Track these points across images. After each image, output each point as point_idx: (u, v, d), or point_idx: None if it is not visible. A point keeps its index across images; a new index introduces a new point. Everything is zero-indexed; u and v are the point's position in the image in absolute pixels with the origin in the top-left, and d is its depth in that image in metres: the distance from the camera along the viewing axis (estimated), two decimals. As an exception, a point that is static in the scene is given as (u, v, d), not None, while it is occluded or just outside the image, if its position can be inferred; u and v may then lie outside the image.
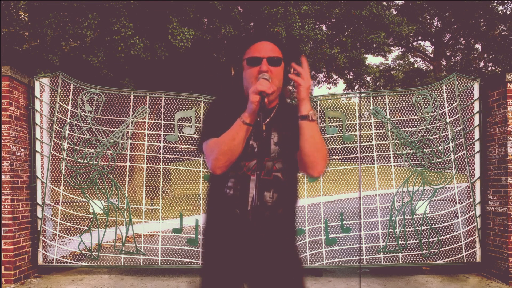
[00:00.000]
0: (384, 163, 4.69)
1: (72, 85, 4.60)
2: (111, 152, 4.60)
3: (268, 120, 1.57)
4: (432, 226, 4.51)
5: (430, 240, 4.50)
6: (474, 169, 4.55)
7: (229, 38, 8.33)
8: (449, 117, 4.56)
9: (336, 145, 4.75)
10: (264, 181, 1.50)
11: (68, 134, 4.56)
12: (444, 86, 4.61)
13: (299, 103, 1.42)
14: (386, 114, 4.64)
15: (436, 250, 4.50)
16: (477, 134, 4.54)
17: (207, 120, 1.61)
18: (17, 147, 4.28)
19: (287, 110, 1.62)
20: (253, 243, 1.47)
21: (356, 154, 4.73)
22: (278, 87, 1.53)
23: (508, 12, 19.60)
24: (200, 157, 4.80)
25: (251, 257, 1.48)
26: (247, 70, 1.53)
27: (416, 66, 27.46)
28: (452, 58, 24.13)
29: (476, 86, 4.54)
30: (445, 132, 4.55)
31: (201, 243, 1.70)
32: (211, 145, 1.49)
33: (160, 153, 4.73)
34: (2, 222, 4.11)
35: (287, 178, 1.54)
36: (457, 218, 4.58)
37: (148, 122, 4.69)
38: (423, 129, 4.58)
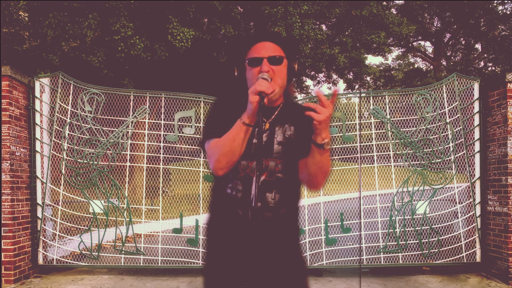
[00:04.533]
0: (384, 163, 4.69)
1: (72, 85, 4.60)
2: (111, 152, 4.60)
3: (272, 118, 1.56)
4: (432, 226, 4.51)
5: (430, 240, 4.50)
6: (474, 169, 4.55)
7: (229, 38, 8.33)
8: (449, 117, 4.56)
9: (336, 145, 4.75)
10: (266, 182, 1.49)
11: (68, 134, 4.55)
12: (444, 86, 4.61)
13: (316, 131, 1.39)
14: (386, 114, 4.64)
15: (436, 250, 4.50)
16: (477, 134, 4.54)
17: (210, 119, 1.60)
18: (17, 147, 4.28)
19: (292, 109, 1.60)
20: (255, 244, 1.46)
21: (356, 154, 4.73)
22: (281, 85, 1.51)
23: (508, 12, 19.60)
24: (200, 157, 4.80)
25: (253, 258, 1.47)
26: (249, 71, 1.52)
27: (416, 66, 27.45)
28: (452, 58, 24.13)
29: (476, 86, 4.54)
30: (445, 132, 4.55)
31: (202, 243, 1.70)
32: (212, 146, 1.49)
33: (160, 153, 4.73)
34: (2, 222, 4.12)
35: (290, 179, 1.53)
36: (457, 218, 4.58)
37: (148, 122, 4.69)
38: (423, 129, 4.58)
